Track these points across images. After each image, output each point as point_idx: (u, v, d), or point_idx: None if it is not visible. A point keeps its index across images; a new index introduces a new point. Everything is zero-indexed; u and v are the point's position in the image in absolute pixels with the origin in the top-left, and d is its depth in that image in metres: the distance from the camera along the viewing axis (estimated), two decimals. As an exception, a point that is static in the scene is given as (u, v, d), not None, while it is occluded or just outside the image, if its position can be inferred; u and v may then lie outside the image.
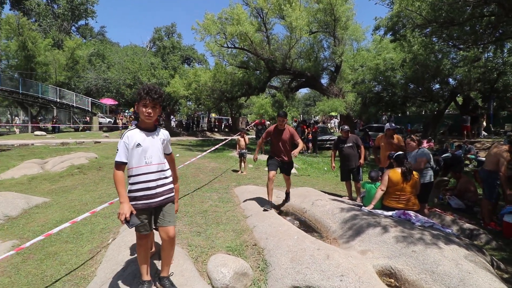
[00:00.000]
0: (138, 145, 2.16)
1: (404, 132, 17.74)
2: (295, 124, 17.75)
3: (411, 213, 4.06)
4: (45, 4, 38.07)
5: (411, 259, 2.89)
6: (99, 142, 15.70)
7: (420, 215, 4.09)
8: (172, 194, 2.34)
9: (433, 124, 16.95)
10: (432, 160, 4.90)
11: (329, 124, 31.53)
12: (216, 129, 31.65)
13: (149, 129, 2.24)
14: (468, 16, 10.50)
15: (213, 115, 34.32)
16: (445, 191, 6.80)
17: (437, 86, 17.32)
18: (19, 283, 2.76)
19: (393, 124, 5.92)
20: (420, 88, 16.87)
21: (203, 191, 5.79)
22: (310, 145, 15.85)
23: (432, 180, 5.01)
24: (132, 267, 2.63)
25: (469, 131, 15.21)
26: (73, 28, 40.71)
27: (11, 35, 23.10)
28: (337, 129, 28.92)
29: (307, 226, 4.32)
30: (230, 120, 34.37)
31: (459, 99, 19.30)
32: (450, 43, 14.15)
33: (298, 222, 4.43)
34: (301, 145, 4.56)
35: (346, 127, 6.18)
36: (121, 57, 30.64)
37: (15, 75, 23.33)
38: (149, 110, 2.16)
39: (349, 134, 6.14)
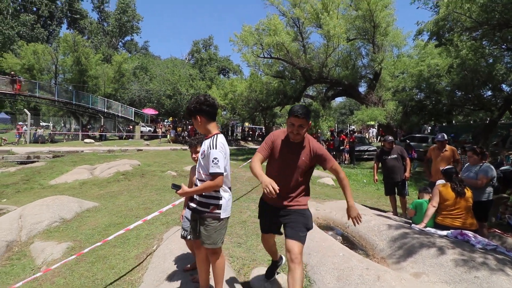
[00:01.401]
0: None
1: (451, 143, 16.49)
2: (328, 134, 16.90)
3: (470, 233, 3.68)
4: (96, 22, 41.79)
5: (473, 286, 2.60)
6: (141, 150, 16.57)
7: (479, 236, 3.70)
8: (206, 209, 2.14)
9: (485, 135, 15.55)
10: (495, 177, 4.42)
11: (366, 134, 30.34)
12: (249, 138, 31.95)
13: (206, 138, 2.24)
14: (526, 16, 9.63)
15: (246, 124, 34.76)
16: (505, 209, 6.14)
17: (489, 93, 15.97)
18: (73, 285, 2.91)
19: (444, 135, 5.49)
20: (469, 96, 15.66)
21: (241, 201, 5.79)
22: (347, 155, 15.33)
23: (492, 198, 4.54)
24: (179, 276, 2.66)
25: None
26: (120, 43, 44.11)
27: (68, 51, 25.53)
28: (375, 139, 27.69)
29: (350, 242, 4.11)
30: (263, 129, 34.56)
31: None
32: (504, 46, 13.03)
33: (340, 237, 4.23)
34: (346, 185, 2.27)
35: (390, 137, 5.85)
36: (162, 69, 32.42)
37: (70, 88, 25.63)
38: (194, 125, 2.28)
39: (394, 145, 5.82)
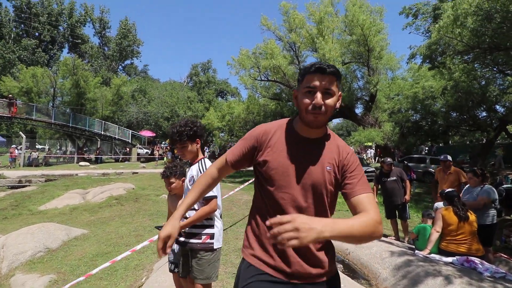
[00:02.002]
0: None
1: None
2: None
3: (477, 260, 3.49)
4: (97, 47, 42.75)
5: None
6: (137, 172, 16.32)
7: (486, 263, 3.51)
8: (198, 240, 2.00)
9: (482, 155, 15.54)
10: (497, 200, 4.29)
11: (364, 155, 30.33)
12: (247, 160, 31.79)
13: (191, 164, 2.20)
14: (515, 40, 9.88)
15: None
16: (510, 232, 5.94)
17: (484, 114, 16.12)
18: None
19: (447, 156, 5.40)
20: (464, 116, 15.80)
21: (237, 226, 5.57)
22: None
23: (496, 221, 4.38)
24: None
25: None
26: (119, 67, 44.91)
27: (67, 75, 25.84)
28: (373, 160, 27.64)
29: (351, 270, 3.89)
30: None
31: (510, 128, 17.72)
32: (495, 69, 13.31)
33: (341, 265, 4.01)
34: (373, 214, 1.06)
35: (389, 159, 5.76)
36: (161, 92, 32.83)
37: (67, 110, 25.69)
38: (179, 151, 2.18)
39: (393, 167, 5.71)
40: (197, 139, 2.18)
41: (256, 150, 1.27)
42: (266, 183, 1.22)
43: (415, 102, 16.39)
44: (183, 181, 2.36)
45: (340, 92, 1.19)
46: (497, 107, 15.58)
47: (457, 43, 10.30)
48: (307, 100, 1.13)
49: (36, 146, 28.97)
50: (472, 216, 3.72)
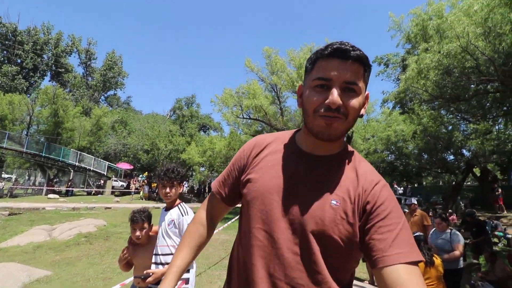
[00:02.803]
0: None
1: (422, 205, 16.99)
2: None
3: (445, 306, 3.58)
4: (81, 77, 42.65)
5: None
6: (110, 207, 15.62)
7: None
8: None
9: (453, 197, 16.26)
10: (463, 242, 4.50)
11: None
12: (227, 195, 31.24)
13: (168, 208, 2.22)
14: (473, 92, 10.95)
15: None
16: (480, 276, 6.10)
17: (452, 157, 17.16)
18: None
19: (412, 199, 5.66)
20: (433, 159, 16.73)
21: (213, 270, 5.40)
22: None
23: (463, 265, 4.55)
24: None
25: (502, 204, 14.32)
26: (102, 97, 44.62)
27: (46, 103, 25.33)
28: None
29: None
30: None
31: (477, 170, 18.83)
32: (459, 116, 14.48)
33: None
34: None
35: None
36: (142, 124, 32.61)
37: (42, 139, 24.80)
38: (167, 190, 2.15)
39: None
40: (182, 184, 2.25)
41: (244, 168, 0.95)
42: (243, 213, 0.90)
43: (388, 144, 17.28)
44: (151, 228, 2.30)
45: (367, 92, 0.85)
46: (464, 151, 16.69)
47: (422, 93, 11.26)
48: (317, 98, 0.78)
49: (2, 176, 27.29)
50: (437, 261, 3.86)
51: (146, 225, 2.23)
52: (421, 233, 4.32)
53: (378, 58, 24.18)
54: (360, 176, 0.82)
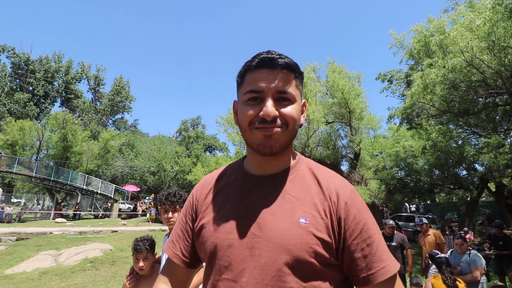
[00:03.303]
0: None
1: (437, 223, 16.39)
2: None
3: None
4: (90, 102, 43.76)
5: None
6: (116, 231, 15.43)
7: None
8: None
9: (469, 214, 15.68)
10: (484, 264, 4.24)
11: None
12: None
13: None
14: (482, 106, 10.81)
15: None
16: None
17: (464, 172, 16.71)
18: None
19: (423, 219, 5.40)
20: (445, 174, 16.30)
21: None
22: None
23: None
24: None
25: None
26: (110, 121, 45.49)
27: (55, 128, 25.87)
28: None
29: None
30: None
31: (491, 185, 18.25)
32: (468, 130, 14.26)
33: None
34: None
35: (391, 222, 5.41)
36: (149, 146, 32.90)
37: (50, 163, 25.09)
38: (169, 215, 2.04)
39: (395, 231, 5.30)
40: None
41: (196, 215, 0.84)
42: (205, 268, 0.79)
43: (397, 160, 16.97)
44: (155, 257, 2.18)
45: (304, 100, 0.82)
46: (476, 165, 16.25)
47: (429, 108, 11.16)
48: (250, 112, 0.73)
49: (12, 200, 27.44)
50: (461, 285, 3.62)
51: (149, 255, 2.11)
52: (443, 255, 4.07)
53: (382, 75, 24.34)
54: (324, 185, 0.75)
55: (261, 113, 0.71)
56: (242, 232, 0.72)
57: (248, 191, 0.78)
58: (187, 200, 0.91)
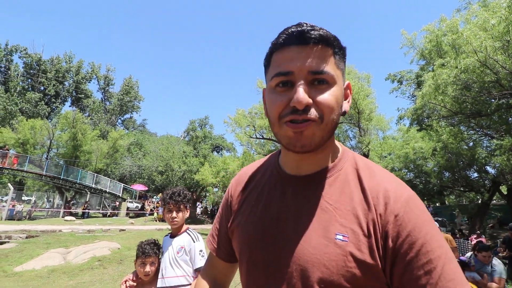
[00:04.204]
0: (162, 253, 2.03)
1: (447, 226, 16.09)
2: None
3: None
4: (99, 101, 44.38)
5: None
6: (124, 230, 15.57)
7: None
8: None
9: (480, 217, 15.33)
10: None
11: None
12: (241, 216, 30.82)
13: (174, 234, 2.06)
14: (495, 107, 10.55)
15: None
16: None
17: (476, 174, 16.36)
18: None
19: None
20: (456, 177, 15.99)
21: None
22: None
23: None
24: None
25: None
26: (119, 120, 46.06)
27: (66, 127, 26.29)
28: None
29: None
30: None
31: (503, 188, 17.84)
32: (480, 132, 13.94)
33: None
34: None
35: None
36: (157, 145, 33.16)
37: (61, 162, 25.50)
38: (173, 215, 2.00)
39: None
40: (188, 208, 2.11)
41: (230, 212, 0.80)
42: (242, 253, 0.73)
43: (407, 162, 16.73)
44: (159, 264, 2.07)
45: (348, 82, 0.68)
46: (488, 168, 15.89)
47: (441, 109, 10.95)
48: (279, 101, 0.61)
49: (22, 198, 27.98)
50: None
51: (157, 259, 2.03)
52: (462, 258, 3.95)
53: (392, 75, 24.01)
54: (369, 191, 0.60)
55: (291, 102, 0.58)
56: (271, 242, 0.65)
57: (281, 194, 0.68)
58: (224, 194, 0.86)
